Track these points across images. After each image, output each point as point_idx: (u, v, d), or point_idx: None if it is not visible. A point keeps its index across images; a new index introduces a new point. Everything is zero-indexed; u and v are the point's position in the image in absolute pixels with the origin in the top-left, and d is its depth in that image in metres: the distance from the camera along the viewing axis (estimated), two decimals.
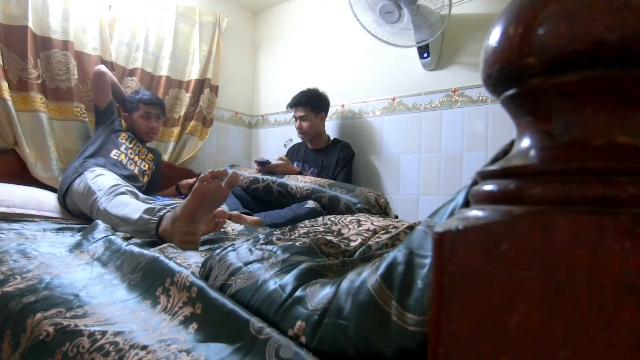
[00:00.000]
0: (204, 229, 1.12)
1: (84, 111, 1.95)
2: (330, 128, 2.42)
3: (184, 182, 2.07)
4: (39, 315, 0.54)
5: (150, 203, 1.34)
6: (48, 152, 1.81)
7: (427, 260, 0.31)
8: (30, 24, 1.76)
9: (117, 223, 1.23)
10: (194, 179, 2.10)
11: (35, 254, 0.89)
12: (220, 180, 1.09)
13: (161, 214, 1.15)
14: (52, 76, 1.86)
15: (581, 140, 0.20)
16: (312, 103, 2.11)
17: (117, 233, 1.09)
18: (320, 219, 0.95)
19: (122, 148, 1.82)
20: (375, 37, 1.91)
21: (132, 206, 1.25)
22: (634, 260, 0.17)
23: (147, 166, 1.91)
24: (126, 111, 1.95)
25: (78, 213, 1.59)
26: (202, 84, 2.46)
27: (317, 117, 2.14)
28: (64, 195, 1.60)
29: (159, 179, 2.07)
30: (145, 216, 1.16)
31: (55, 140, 1.87)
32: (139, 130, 1.93)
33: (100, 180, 1.47)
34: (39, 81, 1.81)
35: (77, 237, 1.11)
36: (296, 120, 2.16)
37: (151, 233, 1.12)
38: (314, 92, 2.15)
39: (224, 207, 1.66)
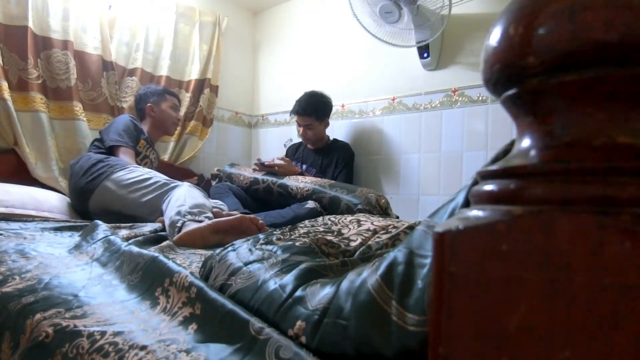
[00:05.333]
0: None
1: (83, 111, 1.95)
2: (331, 128, 2.42)
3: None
4: (38, 315, 0.54)
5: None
6: (48, 152, 1.81)
7: (428, 260, 0.31)
8: (30, 24, 1.76)
9: (193, 196, 1.29)
10: (194, 179, 2.10)
11: (34, 254, 0.89)
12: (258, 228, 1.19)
13: (201, 218, 1.19)
14: (52, 76, 1.86)
15: (581, 140, 0.20)
16: (317, 113, 2.07)
17: (118, 233, 1.09)
18: (320, 219, 0.96)
19: (140, 157, 1.79)
20: (375, 37, 1.91)
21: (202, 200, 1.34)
22: (634, 260, 0.17)
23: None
24: (152, 103, 1.89)
25: (99, 208, 1.51)
26: (202, 84, 2.46)
27: (321, 124, 2.12)
28: (92, 190, 1.50)
29: None
30: (203, 208, 1.24)
31: (56, 140, 1.87)
32: (168, 121, 1.90)
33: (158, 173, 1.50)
34: (39, 81, 1.81)
35: (77, 237, 1.11)
36: (299, 125, 2.13)
37: (186, 218, 1.16)
38: (319, 101, 2.08)
39: (223, 207, 1.66)
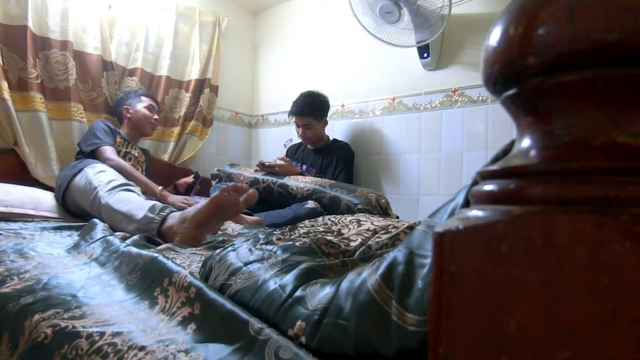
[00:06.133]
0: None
1: (82, 111, 1.94)
2: (330, 128, 2.42)
3: (182, 181, 2.08)
4: (36, 316, 0.54)
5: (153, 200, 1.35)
6: (48, 152, 1.81)
7: (427, 260, 0.31)
8: (30, 24, 1.76)
9: (118, 218, 1.23)
10: (192, 177, 2.10)
11: (33, 254, 0.89)
12: (240, 195, 1.10)
13: (165, 213, 1.16)
14: (50, 76, 1.86)
15: (581, 140, 0.20)
16: (315, 112, 2.07)
17: (116, 233, 1.09)
18: (320, 219, 0.96)
19: (121, 155, 1.80)
20: (375, 37, 1.91)
21: (136, 203, 1.25)
22: (634, 260, 0.17)
23: (140, 169, 1.90)
24: (127, 105, 1.91)
25: (79, 211, 1.57)
26: (202, 83, 2.46)
27: (320, 123, 2.12)
28: (63, 193, 1.58)
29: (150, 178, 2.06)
30: (149, 214, 1.17)
31: (55, 140, 1.87)
32: (143, 121, 1.90)
33: (102, 176, 1.47)
34: (39, 81, 1.81)
35: (75, 237, 1.11)
36: (298, 126, 2.13)
37: (152, 233, 1.13)
38: (316, 100, 2.09)
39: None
